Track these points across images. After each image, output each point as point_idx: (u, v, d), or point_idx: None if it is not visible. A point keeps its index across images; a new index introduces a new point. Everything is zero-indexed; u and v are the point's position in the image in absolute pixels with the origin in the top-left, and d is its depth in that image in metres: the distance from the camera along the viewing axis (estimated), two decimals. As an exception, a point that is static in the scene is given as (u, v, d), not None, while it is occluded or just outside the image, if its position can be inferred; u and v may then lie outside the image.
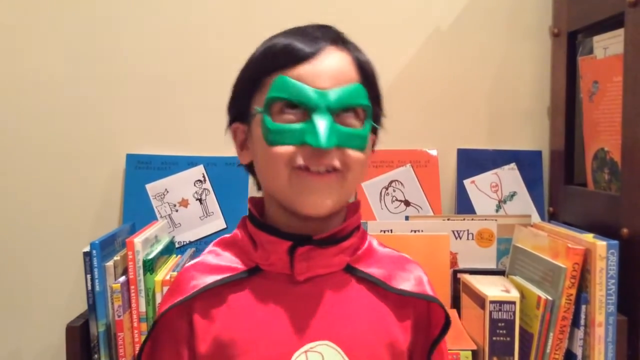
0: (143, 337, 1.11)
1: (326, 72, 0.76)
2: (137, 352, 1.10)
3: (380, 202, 1.44)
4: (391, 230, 1.32)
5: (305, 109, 0.75)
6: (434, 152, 1.46)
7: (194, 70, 1.43)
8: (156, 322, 0.81)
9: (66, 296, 1.43)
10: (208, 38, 1.43)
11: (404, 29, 1.46)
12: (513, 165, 1.46)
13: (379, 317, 0.81)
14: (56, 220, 1.44)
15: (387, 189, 1.45)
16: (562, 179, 1.39)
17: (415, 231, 1.31)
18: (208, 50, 1.43)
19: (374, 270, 0.83)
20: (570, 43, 1.36)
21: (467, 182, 1.46)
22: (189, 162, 1.43)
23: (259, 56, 0.81)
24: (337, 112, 0.76)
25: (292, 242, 0.78)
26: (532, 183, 1.46)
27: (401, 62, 1.45)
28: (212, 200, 1.42)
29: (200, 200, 1.42)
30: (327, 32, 0.81)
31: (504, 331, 1.08)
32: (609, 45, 1.23)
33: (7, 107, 1.44)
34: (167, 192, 1.42)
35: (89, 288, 1.12)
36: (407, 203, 1.44)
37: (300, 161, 0.75)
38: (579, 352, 1.09)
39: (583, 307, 1.08)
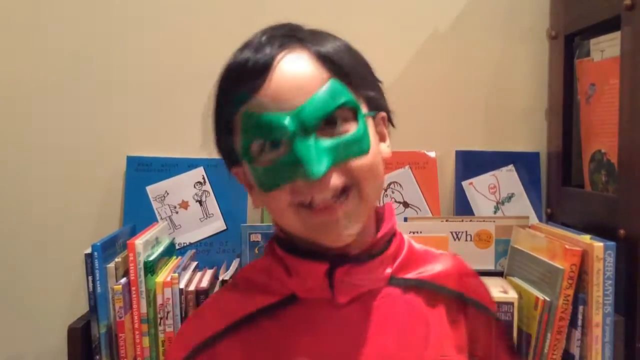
0: (144, 338, 1.13)
1: (287, 87, 0.66)
2: (137, 352, 1.11)
3: (380, 203, 1.44)
4: (390, 232, 1.32)
5: (285, 140, 0.66)
6: (432, 154, 1.47)
7: (194, 73, 1.43)
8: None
9: (67, 298, 1.43)
10: (208, 40, 1.44)
11: (401, 31, 1.46)
12: (511, 166, 1.46)
13: (431, 327, 0.75)
14: (57, 222, 1.44)
15: (385, 190, 1.45)
16: (559, 180, 1.40)
17: (414, 232, 1.32)
18: (208, 53, 1.42)
19: (419, 273, 0.77)
20: (568, 45, 1.37)
21: (465, 184, 1.46)
22: (189, 164, 1.43)
23: (218, 90, 0.73)
24: (318, 126, 0.66)
25: (329, 263, 0.70)
26: (530, 184, 1.46)
27: (399, 65, 1.46)
28: (212, 202, 1.43)
29: (200, 202, 1.43)
30: (274, 35, 0.70)
31: (502, 332, 1.09)
32: (605, 48, 1.24)
33: (7, 109, 1.44)
34: (168, 194, 1.42)
35: (90, 290, 1.12)
36: (405, 204, 1.45)
37: (302, 199, 0.67)
38: (576, 352, 1.09)
39: (580, 308, 1.08)
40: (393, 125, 0.80)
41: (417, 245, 0.81)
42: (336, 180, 0.66)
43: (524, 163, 1.47)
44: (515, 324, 1.09)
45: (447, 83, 1.47)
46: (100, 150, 1.44)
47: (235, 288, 0.78)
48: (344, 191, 0.68)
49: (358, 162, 0.68)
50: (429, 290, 0.76)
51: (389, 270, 0.75)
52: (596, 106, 1.27)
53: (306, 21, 0.84)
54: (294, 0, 1.42)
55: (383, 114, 0.76)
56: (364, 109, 0.71)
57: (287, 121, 0.65)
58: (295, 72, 0.67)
